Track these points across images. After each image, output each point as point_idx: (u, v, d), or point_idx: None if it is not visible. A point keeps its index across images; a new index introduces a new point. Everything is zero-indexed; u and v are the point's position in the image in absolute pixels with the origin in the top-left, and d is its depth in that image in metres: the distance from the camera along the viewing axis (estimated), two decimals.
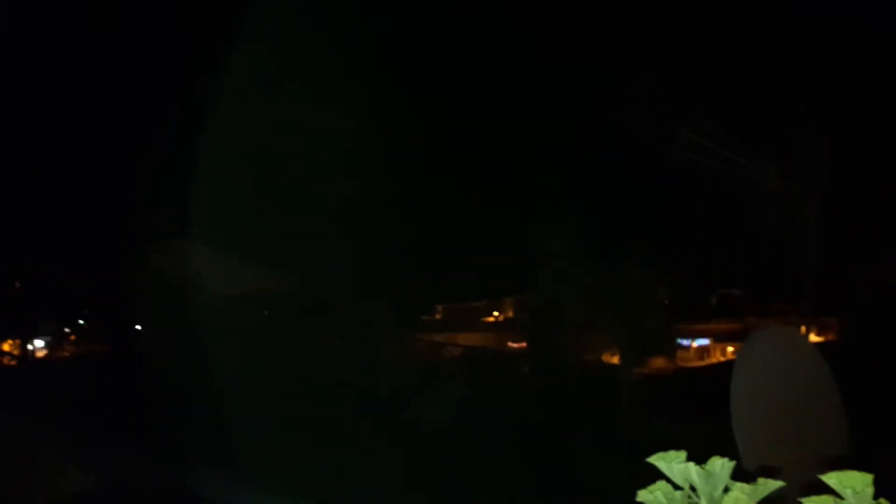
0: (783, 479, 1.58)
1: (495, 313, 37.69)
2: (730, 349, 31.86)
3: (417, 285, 31.33)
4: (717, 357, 32.34)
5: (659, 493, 1.54)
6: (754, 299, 31.88)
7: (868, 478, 1.48)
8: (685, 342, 31.67)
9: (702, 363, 31.65)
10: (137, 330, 33.81)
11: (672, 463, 1.56)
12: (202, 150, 27.55)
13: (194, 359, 23.84)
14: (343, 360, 25.23)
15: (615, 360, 25.03)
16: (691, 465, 1.55)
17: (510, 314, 35.63)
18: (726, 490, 1.55)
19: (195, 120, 27.40)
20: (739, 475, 1.50)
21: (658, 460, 1.58)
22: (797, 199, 21.06)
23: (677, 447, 1.56)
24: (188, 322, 27.27)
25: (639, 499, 1.53)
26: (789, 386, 3.47)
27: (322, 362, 24.80)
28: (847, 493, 1.47)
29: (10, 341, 41.19)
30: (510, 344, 31.68)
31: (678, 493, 1.54)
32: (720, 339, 32.78)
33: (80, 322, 40.83)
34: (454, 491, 16.82)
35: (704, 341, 33.10)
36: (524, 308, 30.81)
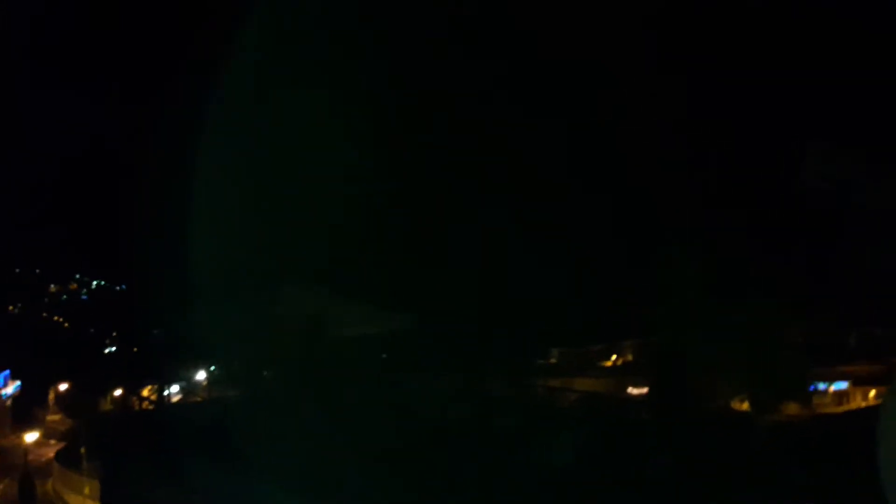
0: None
1: (613, 357, 36.73)
2: (872, 393, 29.56)
3: (533, 328, 31.01)
4: (857, 402, 30.09)
5: None
6: None
7: None
8: (822, 386, 29.68)
9: (840, 409, 29.53)
10: (263, 374, 35.19)
11: None
12: (315, 196, 28.46)
13: (316, 400, 24.58)
14: (460, 401, 25.30)
15: (745, 406, 23.71)
16: None
17: (629, 358, 34.63)
18: None
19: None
20: None
21: None
22: None
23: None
24: (310, 365, 28.17)
25: None
26: None
27: (439, 403, 24.96)
28: None
29: (149, 387, 43.94)
30: (630, 390, 30.69)
31: None
32: (860, 382, 30.51)
33: (212, 368, 43.03)
34: None
35: (843, 385, 30.94)
36: (645, 352, 29.89)
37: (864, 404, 28.79)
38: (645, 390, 27.61)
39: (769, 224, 23.38)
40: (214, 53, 29.92)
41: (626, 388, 30.78)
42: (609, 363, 36.20)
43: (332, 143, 27.61)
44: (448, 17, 27.04)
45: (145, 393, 43.79)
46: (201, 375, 44.22)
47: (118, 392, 44.86)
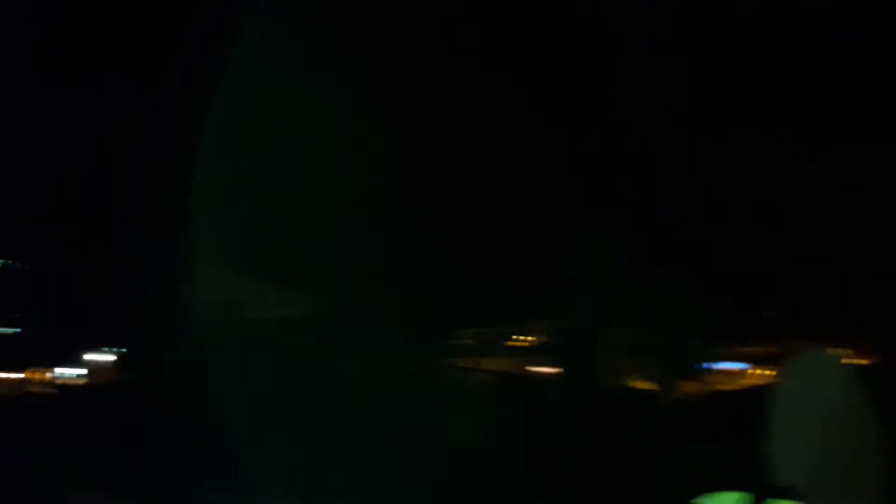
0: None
1: (523, 337, 37.42)
2: (765, 372, 31.37)
3: (443, 309, 31.27)
4: (750, 381, 31.86)
5: None
6: (792, 321, 31.32)
7: None
8: (719, 365, 31.27)
9: (734, 387, 31.18)
10: (168, 357, 34.19)
11: None
12: (225, 174, 27.87)
13: (221, 384, 24.11)
14: (367, 383, 25.29)
15: (647, 384, 24.76)
16: None
17: (538, 338, 35.40)
18: None
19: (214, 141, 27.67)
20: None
21: (711, 502, 1.38)
22: (843, 218, 20.77)
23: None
24: (217, 349, 27.57)
25: None
26: (826, 410, 3.49)
27: (348, 385, 24.89)
28: None
29: (41, 369, 41.93)
30: (538, 369, 31.45)
31: None
32: (754, 362, 32.32)
33: (116, 351, 41.46)
34: None
35: (738, 365, 32.67)
36: (554, 332, 30.63)
37: (757, 383, 30.58)
38: (553, 369, 28.40)
39: (679, 210, 24.41)
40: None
41: (535, 367, 31.54)
42: (519, 343, 36.88)
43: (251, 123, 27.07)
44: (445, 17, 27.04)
45: (42, 377, 41.83)
46: (103, 358, 42.55)
47: (8, 375, 42.73)
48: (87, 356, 41.67)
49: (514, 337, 36.99)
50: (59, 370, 41.00)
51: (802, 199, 21.07)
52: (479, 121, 28.02)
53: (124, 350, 40.91)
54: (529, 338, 36.54)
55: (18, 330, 42.19)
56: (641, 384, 24.02)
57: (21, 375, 41.86)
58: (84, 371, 42.47)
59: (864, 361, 24.89)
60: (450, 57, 27.89)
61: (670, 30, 25.65)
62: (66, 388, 40.42)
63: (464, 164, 28.85)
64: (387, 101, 28.24)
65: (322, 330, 29.17)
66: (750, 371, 32.27)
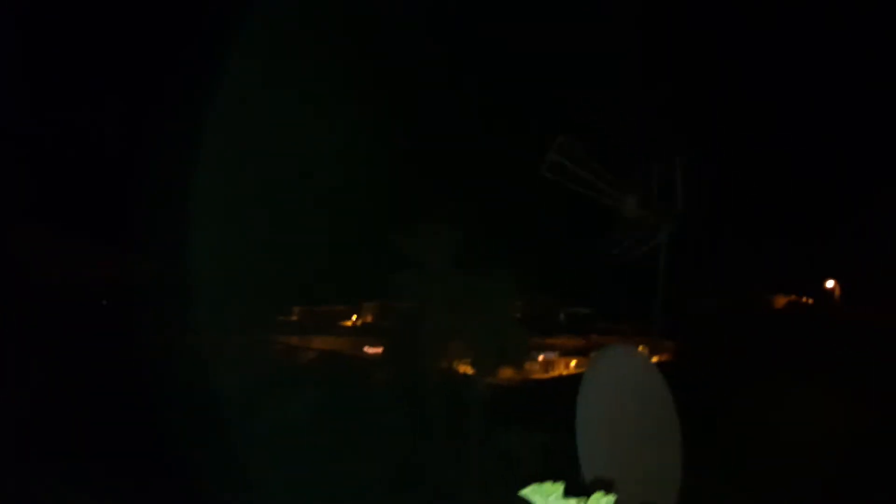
0: (620, 492, 1.57)
1: (353, 317, 37.50)
2: (572, 363, 33.64)
3: (274, 284, 30.65)
4: (560, 370, 34.00)
5: None
6: (600, 318, 33.95)
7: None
8: (534, 355, 33.09)
9: (546, 375, 33.12)
10: None
11: (549, 498, 1.40)
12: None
13: (26, 351, 22.42)
14: (188, 354, 24.43)
15: (467, 368, 25.69)
16: (572, 501, 1.41)
17: (369, 319, 35.66)
18: None
19: None
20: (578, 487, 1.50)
21: (534, 494, 1.41)
22: (652, 226, 22.70)
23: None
24: (19, 310, 25.45)
25: None
26: (631, 403, 3.79)
27: (165, 356, 23.91)
28: None
29: None
30: (366, 349, 31.71)
31: None
32: (565, 353, 34.51)
33: None
34: (303, 494, 16.75)
35: (550, 354, 34.67)
36: (384, 313, 30.98)
37: (565, 372, 32.79)
38: (380, 350, 28.70)
39: (504, 204, 25.73)
40: None
41: (364, 347, 31.77)
42: (349, 323, 36.96)
43: None
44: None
45: None
46: None
47: None
48: None
49: (347, 316, 37.02)
50: None
51: (622, 207, 22.94)
52: (318, 108, 28.07)
53: None
54: (360, 318, 36.70)
55: None
56: (465, 368, 24.93)
57: None
58: None
59: (657, 358, 27.47)
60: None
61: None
62: None
63: (304, 146, 28.68)
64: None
65: (135, 294, 27.82)
66: (560, 360, 34.54)
